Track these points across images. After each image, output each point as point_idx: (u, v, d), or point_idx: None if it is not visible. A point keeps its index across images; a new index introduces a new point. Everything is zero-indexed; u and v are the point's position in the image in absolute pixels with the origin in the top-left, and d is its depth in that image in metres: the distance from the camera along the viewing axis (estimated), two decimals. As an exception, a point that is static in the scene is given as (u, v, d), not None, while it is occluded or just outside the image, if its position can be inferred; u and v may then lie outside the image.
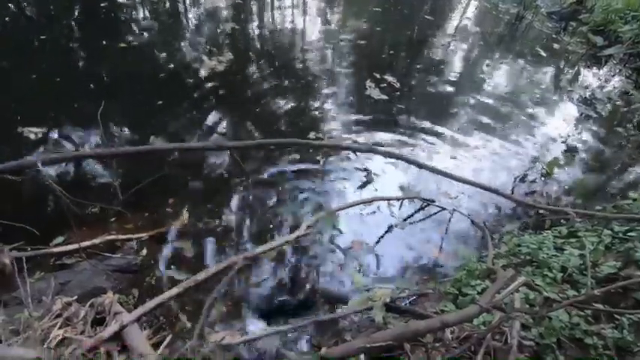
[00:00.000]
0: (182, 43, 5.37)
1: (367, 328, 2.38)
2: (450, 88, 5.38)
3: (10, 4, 5.49)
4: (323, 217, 2.41)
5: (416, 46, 6.52)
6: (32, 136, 3.47)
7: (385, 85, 5.03)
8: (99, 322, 2.01)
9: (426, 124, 4.45)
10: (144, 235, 2.68)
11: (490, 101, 5.16)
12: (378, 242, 2.98)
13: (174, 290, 1.76)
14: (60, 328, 1.82)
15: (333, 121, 4.31)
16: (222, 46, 5.37)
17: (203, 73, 4.70)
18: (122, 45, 4.96)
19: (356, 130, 4.18)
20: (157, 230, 2.72)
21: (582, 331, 2.01)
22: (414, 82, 5.43)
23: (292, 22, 6.61)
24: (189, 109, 4.17)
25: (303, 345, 2.18)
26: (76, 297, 2.05)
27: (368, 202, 2.93)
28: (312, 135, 3.99)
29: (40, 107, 3.77)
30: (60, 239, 2.56)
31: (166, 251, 2.64)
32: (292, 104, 4.43)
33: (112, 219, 2.77)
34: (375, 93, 4.84)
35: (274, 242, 2.13)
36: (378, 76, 5.18)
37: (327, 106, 4.54)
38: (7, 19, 5.26)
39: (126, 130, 3.71)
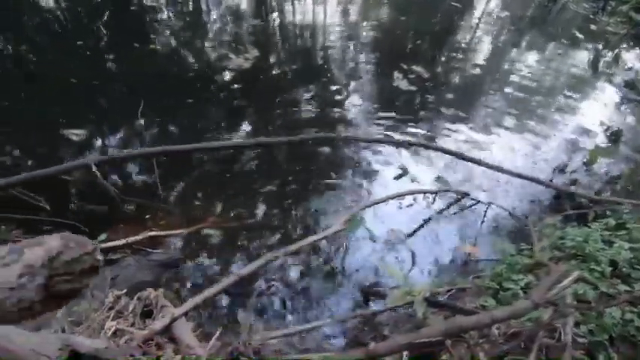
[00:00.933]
0: (208, 42, 5.46)
1: (405, 323, 2.37)
2: (480, 77, 5.20)
3: (46, 15, 5.75)
4: (358, 212, 2.40)
5: (442, 33, 6.34)
6: (74, 138, 3.64)
7: (413, 75, 4.92)
8: (146, 314, 2.10)
9: (458, 115, 4.33)
10: (183, 232, 2.76)
11: (524, 89, 4.95)
12: (413, 235, 2.95)
13: (220, 285, 1.81)
14: (113, 319, 1.92)
15: (361, 114, 4.27)
16: (247, 43, 5.41)
17: (230, 70, 4.77)
18: (152, 47, 5.10)
19: (386, 123, 4.12)
20: (196, 226, 2.80)
21: (636, 328, 1.91)
22: (442, 71, 5.29)
23: (314, 14, 6.57)
24: (219, 106, 4.24)
25: (342, 340, 2.20)
26: (125, 290, 2.14)
27: (400, 195, 2.89)
28: (340, 129, 3.98)
29: (79, 110, 3.93)
30: (103, 236, 2.67)
31: (205, 246, 2.71)
32: (319, 99, 4.42)
33: (148, 216, 2.86)
34: (403, 84, 4.75)
35: (312, 237, 2.15)
36: (405, 66, 5.07)
37: (355, 99, 4.50)
38: (44, 27, 5.51)
39: (158, 129, 3.82)
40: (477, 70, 5.32)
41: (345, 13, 6.77)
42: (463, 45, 6.01)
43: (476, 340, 1.72)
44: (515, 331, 1.63)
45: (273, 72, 4.87)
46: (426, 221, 3.07)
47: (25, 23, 5.43)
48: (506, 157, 3.79)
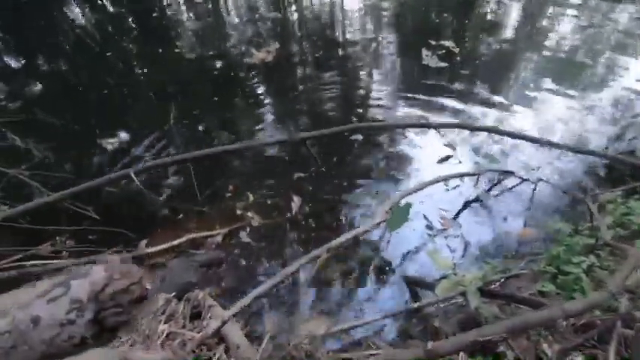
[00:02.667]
0: (230, 40, 5.44)
1: (455, 314, 2.26)
2: (514, 46, 4.84)
3: (76, 30, 5.94)
4: (400, 200, 2.29)
5: (469, 4, 5.95)
6: (109, 147, 3.74)
7: (443, 51, 4.66)
8: (195, 315, 2.13)
9: (495, 89, 4.05)
10: (222, 232, 2.78)
11: (562, 54, 4.55)
12: (458, 217, 2.81)
13: (268, 283, 1.79)
14: (165, 322, 1.96)
15: (391, 96, 4.09)
16: (268, 36, 5.34)
17: (254, 65, 4.72)
18: (176, 51, 5.15)
19: (417, 103, 3.93)
20: (234, 226, 2.81)
21: None
22: (473, 43, 4.97)
23: None
24: (246, 102, 4.22)
25: (391, 333, 2.14)
26: (174, 293, 2.19)
27: (445, 179, 2.74)
28: (373, 113, 3.83)
29: (113, 118, 4.05)
30: (144, 241, 2.74)
31: (245, 245, 2.72)
32: (346, 85, 4.29)
33: (185, 217, 2.90)
34: (433, 61, 4.51)
35: (354, 231, 2.08)
36: (433, 42, 4.81)
37: (384, 81, 4.33)
38: (75, 42, 5.70)
39: (190, 131, 3.85)
40: (509, 40, 4.96)
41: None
42: (492, 14, 5.62)
43: (541, 332, 1.59)
44: (587, 322, 1.48)
45: (297, 62, 4.79)
46: (472, 203, 2.91)
47: (56, 38, 5.65)
48: (552, 129, 3.51)
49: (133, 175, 1.77)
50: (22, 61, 5.11)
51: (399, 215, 2.23)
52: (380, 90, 4.21)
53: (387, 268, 2.49)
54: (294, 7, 6.27)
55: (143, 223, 2.87)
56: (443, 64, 4.47)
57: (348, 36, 5.31)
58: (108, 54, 5.16)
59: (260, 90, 4.36)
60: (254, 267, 2.58)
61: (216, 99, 4.20)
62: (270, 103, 4.16)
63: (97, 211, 2.80)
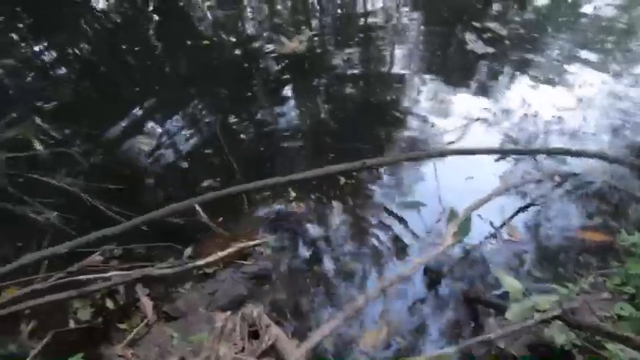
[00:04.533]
0: (259, 29, 5.21)
1: (522, 335, 2.13)
2: (572, 28, 4.42)
3: (102, 22, 5.84)
4: (468, 214, 2.13)
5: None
6: (145, 148, 3.69)
7: (489, 35, 4.31)
8: (252, 334, 2.10)
9: (554, 78, 3.73)
10: (268, 239, 2.72)
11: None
12: (521, 224, 2.62)
13: (337, 320, 1.68)
14: (224, 341, 1.93)
15: (435, 89, 3.82)
16: (298, 23, 5.09)
17: (286, 55, 4.51)
18: (205, 42, 4.98)
19: (463, 96, 3.66)
20: (280, 234, 2.74)
21: None
22: (523, 27, 4.56)
23: None
24: (279, 96, 4.05)
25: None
26: (229, 311, 2.14)
27: (513, 187, 2.54)
28: (422, 112, 3.57)
29: (146, 117, 3.98)
30: (189, 250, 2.69)
31: (294, 255, 2.65)
32: (385, 78, 4.05)
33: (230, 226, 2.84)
34: (478, 47, 4.19)
35: (424, 256, 1.95)
36: (477, 25, 4.46)
37: (427, 71, 4.03)
38: (102, 35, 5.61)
39: (229, 132, 3.70)
40: (566, 23, 4.53)
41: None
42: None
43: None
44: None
45: (329, 52, 4.54)
46: (535, 207, 2.71)
47: (83, 32, 5.58)
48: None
49: (197, 208, 1.70)
50: (45, 44, 5.05)
51: (463, 229, 2.08)
52: (420, 81, 3.94)
53: (444, 282, 2.38)
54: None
55: (186, 231, 2.80)
56: (490, 49, 4.14)
57: (387, 20, 4.98)
58: (136, 48, 5.05)
59: (293, 81, 4.18)
60: (304, 279, 2.51)
61: (245, 91, 4.05)
62: (294, 94, 3.97)
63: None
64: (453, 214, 2.22)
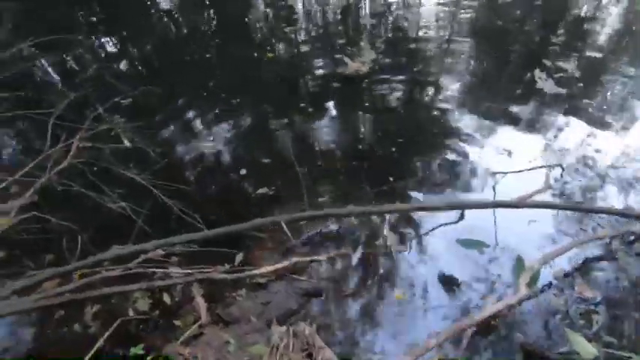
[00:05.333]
0: (324, 47, 5.34)
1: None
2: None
3: (159, 24, 6.24)
4: (541, 265, 2.04)
5: (591, 20, 5.28)
6: (207, 151, 3.85)
7: (561, 74, 4.17)
8: (304, 353, 2.10)
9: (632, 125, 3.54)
10: (323, 258, 2.73)
11: None
12: (591, 281, 2.46)
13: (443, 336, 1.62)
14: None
15: (493, 130, 3.71)
16: (362, 45, 5.17)
17: (348, 76, 4.58)
18: (270, 55, 5.17)
19: (525, 141, 3.52)
20: (337, 252, 2.75)
21: None
22: (598, 68, 4.37)
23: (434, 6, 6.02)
24: (342, 117, 4.12)
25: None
26: (284, 326, 2.17)
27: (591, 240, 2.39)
28: (476, 154, 3.48)
29: (210, 122, 4.15)
30: (240, 257, 2.73)
31: (347, 274, 2.64)
32: (443, 108, 4.01)
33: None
34: (548, 86, 4.06)
35: (498, 304, 1.89)
36: (548, 63, 4.33)
37: (484, 110, 3.94)
38: (160, 39, 5.98)
39: (295, 146, 3.76)
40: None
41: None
42: (622, 34, 4.93)
43: None
44: None
45: (395, 77, 4.55)
46: (606, 261, 2.55)
47: (143, 35, 5.97)
48: None
49: (283, 224, 1.76)
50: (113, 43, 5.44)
51: (531, 279, 1.99)
52: (491, 118, 3.84)
53: (502, 330, 2.27)
54: (391, 14, 6.03)
55: (237, 237, 2.85)
56: (561, 90, 4.00)
57: (456, 49, 4.96)
58: (207, 55, 5.34)
59: (355, 103, 4.23)
60: (357, 304, 2.49)
61: (308, 106, 4.15)
62: (350, 118, 4.01)
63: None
64: (519, 263, 2.14)
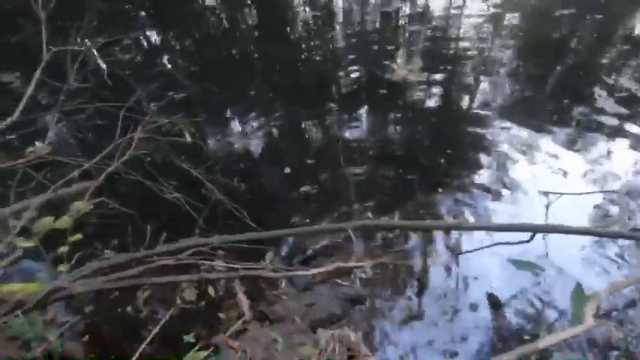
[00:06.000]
0: (369, 51, 5.34)
1: None
2: None
3: (208, 21, 6.43)
4: (608, 295, 1.95)
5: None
6: (254, 149, 3.95)
7: (623, 94, 3.96)
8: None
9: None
10: (365, 264, 2.72)
11: None
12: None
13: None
14: (326, 363, 1.96)
15: (559, 146, 3.56)
16: (411, 52, 5.14)
17: (394, 83, 4.58)
18: (316, 58, 5.24)
19: (578, 162, 3.37)
20: (379, 259, 2.74)
21: None
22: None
23: (494, 21, 5.88)
24: (384, 121, 4.12)
25: None
26: (332, 332, 2.18)
27: None
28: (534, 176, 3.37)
29: (262, 123, 4.23)
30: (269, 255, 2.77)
31: (391, 282, 2.63)
32: (494, 122, 3.91)
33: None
34: (609, 105, 3.86)
35: (565, 333, 1.82)
36: (610, 81, 4.13)
37: (547, 124, 3.79)
38: (209, 37, 6.16)
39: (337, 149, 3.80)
40: None
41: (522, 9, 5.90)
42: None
43: None
44: None
45: (443, 86, 4.50)
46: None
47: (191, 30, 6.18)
48: None
49: (350, 232, 1.79)
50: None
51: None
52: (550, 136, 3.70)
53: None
54: (442, 21, 5.95)
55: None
56: (623, 110, 3.79)
57: (504, 59, 4.85)
58: (256, 55, 5.47)
59: (401, 110, 4.21)
60: (401, 314, 2.47)
61: (354, 111, 4.15)
62: (408, 123, 3.97)
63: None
64: (578, 291, 2.04)
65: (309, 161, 3.65)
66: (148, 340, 2.00)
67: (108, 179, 2.59)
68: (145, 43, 5.85)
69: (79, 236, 1.82)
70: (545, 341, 1.73)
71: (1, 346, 1.48)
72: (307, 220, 3.00)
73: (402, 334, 2.38)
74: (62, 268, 1.75)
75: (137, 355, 1.88)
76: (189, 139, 3.12)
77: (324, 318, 2.41)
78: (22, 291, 1.59)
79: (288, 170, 3.57)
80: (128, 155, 2.64)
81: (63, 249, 1.83)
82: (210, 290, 2.69)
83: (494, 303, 2.48)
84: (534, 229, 2.13)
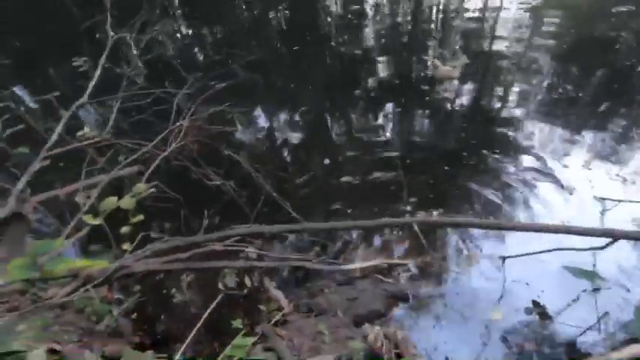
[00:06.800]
0: (412, 46, 5.23)
1: None
2: None
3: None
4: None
5: None
6: (294, 141, 3.95)
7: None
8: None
9: None
10: (408, 262, 2.68)
11: None
12: None
13: None
14: (375, 360, 1.94)
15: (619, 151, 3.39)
16: (455, 49, 4.99)
17: (437, 80, 4.47)
18: (356, 52, 5.18)
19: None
20: (423, 259, 2.69)
21: None
22: None
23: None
24: (431, 116, 4.03)
25: None
26: (378, 328, 2.15)
27: None
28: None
29: (304, 114, 4.22)
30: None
31: (433, 284, 2.58)
32: (545, 122, 3.75)
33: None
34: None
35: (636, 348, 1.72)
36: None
37: (602, 127, 3.62)
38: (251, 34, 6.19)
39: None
40: None
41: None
42: None
43: None
44: None
45: (487, 86, 4.36)
46: None
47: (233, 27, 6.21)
48: None
49: (415, 227, 1.76)
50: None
51: None
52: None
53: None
54: (491, 14, 5.74)
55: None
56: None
57: (553, 57, 4.64)
58: (295, 48, 5.45)
59: (443, 108, 4.11)
60: (445, 315, 2.42)
61: (395, 106, 4.09)
62: (448, 120, 3.87)
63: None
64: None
65: (349, 153, 3.63)
66: (199, 324, 2.04)
67: (158, 165, 2.67)
68: (190, 34, 5.96)
69: (140, 217, 1.87)
70: (617, 354, 1.64)
71: (72, 317, 1.55)
72: (349, 211, 3.00)
73: (442, 336, 2.33)
74: (126, 247, 1.81)
75: (189, 339, 1.92)
76: (239, 127, 3.16)
77: (365, 314, 2.38)
78: (91, 267, 1.66)
79: (327, 161, 3.57)
80: (178, 142, 2.71)
81: (125, 229, 1.88)
82: (247, 279, 2.72)
83: (541, 311, 2.39)
84: (613, 235, 1.98)
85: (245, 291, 2.63)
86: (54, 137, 2.17)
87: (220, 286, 2.66)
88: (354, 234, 2.76)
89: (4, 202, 1.74)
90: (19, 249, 1.66)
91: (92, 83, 2.43)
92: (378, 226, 1.82)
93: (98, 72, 2.44)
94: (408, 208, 2.89)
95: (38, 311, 1.42)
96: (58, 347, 1.22)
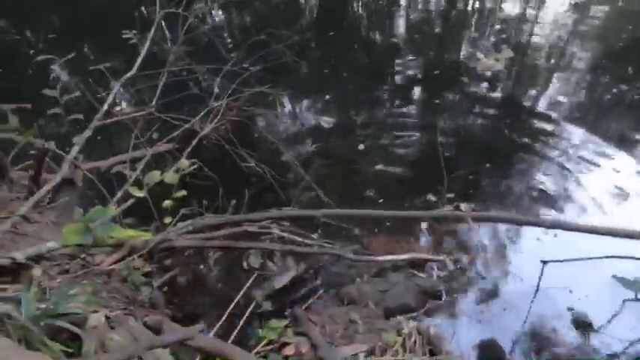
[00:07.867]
0: (454, 38, 5.04)
1: None
2: None
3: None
4: None
5: None
6: (326, 125, 3.87)
7: None
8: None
9: None
10: (442, 258, 2.61)
11: None
12: None
13: None
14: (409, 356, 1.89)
15: None
16: (500, 41, 4.77)
17: (481, 73, 4.29)
18: (394, 40, 5.03)
19: None
20: (454, 256, 2.61)
21: None
22: None
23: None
24: (470, 109, 3.90)
25: None
26: (414, 324, 2.10)
27: None
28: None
29: (341, 101, 4.15)
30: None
31: (468, 282, 2.49)
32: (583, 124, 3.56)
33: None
34: None
35: None
36: None
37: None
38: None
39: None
40: None
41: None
42: None
43: None
44: None
45: (530, 79, 4.15)
46: None
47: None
48: None
49: (470, 221, 1.70)
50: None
51: None
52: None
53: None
54: (536, 8, 5.47)
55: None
56: None
57: (595, 57, 4.39)
58: (330, 33, 5.34)
59: (482, 98, 3.95)
60: (479, 315, 2.35)
61: (434, 98, 3.97)
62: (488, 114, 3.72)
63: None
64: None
65: (383, 142, 3.56)
66: (233, 304, 2.06)
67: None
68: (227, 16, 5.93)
69: (183, 192, 1.87)
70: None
71: (118, 285, 1.59)
72: (381, 201, 2.95)
73: (474, 336, 2.25)
74: (168, 220, 1.82)
75: (225, 317, 1.94)
76: (279, 109, 3.13)
77: (395, 307, 2.33)
78: (136, 238, 1.69)
79: (362, 147, 3.50)
80: (217, 122, 2.71)
81: (168, 202, 1.89)
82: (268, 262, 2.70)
83: (582, 323, 2.27)
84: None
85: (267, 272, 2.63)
86: (105, 107, 2.20)
87: (245, 265, 2.67)
88: (389, 223, 2.71)
89: (58, 168, 1.78)
90: (68, 214, 1.70)
91: (141, 56, 2.45)
92: (423, 217, 1.75)
93: (147, 45, 2.46)
94: (446, 201, 2.82)
95: (87, 276, 1.46)
96: (110, 314, 1.24)
